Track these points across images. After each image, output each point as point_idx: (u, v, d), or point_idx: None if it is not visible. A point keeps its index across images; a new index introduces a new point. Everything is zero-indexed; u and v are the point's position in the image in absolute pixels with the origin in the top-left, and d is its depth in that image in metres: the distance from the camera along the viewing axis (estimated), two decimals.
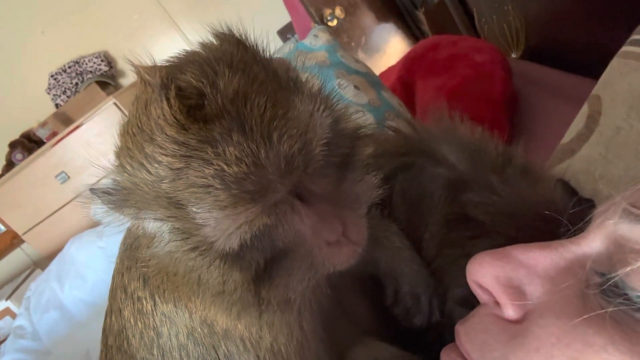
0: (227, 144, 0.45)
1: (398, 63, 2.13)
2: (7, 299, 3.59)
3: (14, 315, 3.38)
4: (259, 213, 0.48)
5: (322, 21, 2.75)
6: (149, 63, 0.53)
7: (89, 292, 2.38)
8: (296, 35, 3.39)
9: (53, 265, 2.76)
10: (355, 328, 0.74)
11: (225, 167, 0.45)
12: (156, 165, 0.47)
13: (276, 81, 0.51)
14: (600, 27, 1.47)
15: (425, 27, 2.62)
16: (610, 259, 0.42)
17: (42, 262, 3.97)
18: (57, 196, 3.69)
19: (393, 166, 0.79)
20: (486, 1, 2.03)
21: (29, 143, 3.99)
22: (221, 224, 0.47)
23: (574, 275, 0.44)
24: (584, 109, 1.03)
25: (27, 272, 4.05)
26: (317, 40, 1.75)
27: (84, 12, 4.06)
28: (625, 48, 1.02)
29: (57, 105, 4.19)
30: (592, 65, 1.34)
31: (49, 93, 4.19)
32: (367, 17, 2.88)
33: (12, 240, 4.12)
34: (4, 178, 3.72)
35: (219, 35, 0.56)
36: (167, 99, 0.46)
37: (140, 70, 0.50)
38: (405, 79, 1.94)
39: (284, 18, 3.58)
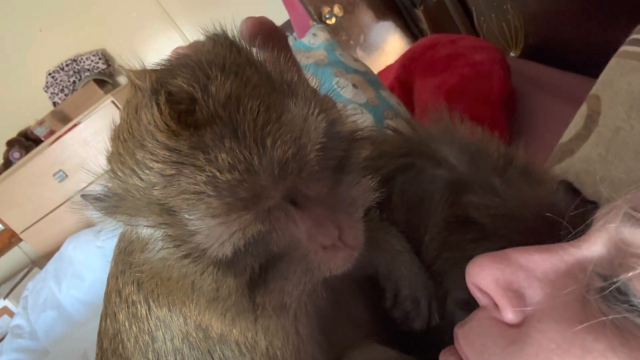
0: (219, 150, 0.44)
1: (396, 62, 2.13)
2: (4, 298, 3.59)
3: (11, 314, 3.38)
4: (253, 220, 0.47)
5: (320, 19, 2.75)
6: (141, 66, 0.52)
7: (86, 291, 2.38)
8: (294, 34, 3.39)
9: (50, 265, 2.76)
10: (354, 331, 0.74)
11: (217, 173, 0.44)
12: (147, 171, 0.46)
13: (270, 84, 0.50)
14: (599, 26, 1.46)
15: (424, 25, 2.61)
16: (612, 263, 0.41)
17: (40, 261, 3.97)
18: (55, 195, 3.68)
19: (392, 167, 0.78)
20: (485, 0, 2.03)
21: (26, 141, 3.99)
22: (214, 231, 0.46)
23: (574, 279, 0.43)
24: (583, 109, 1.03)
25: (25, 270, 4.05)
26: (315, 39, 1.75)
27: (82, 11, 4.05)
28: (624, 47, 1.01)
29: (54, 104, 4.18)
30: (591, 64, 1.33)
31: (46, 91, 4.19)
32: (365, 15, 2.87)
33: (10, 239, 4.12)
34: (1, 177, 3.72)
35: (212, 38, 0.55)
36: (158, 105, 0.45)
37: (130, 74, 0.49)
38: (404, 78, 1.94)
39: (282, 16, 3.57)
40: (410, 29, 2.89)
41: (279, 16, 3.75)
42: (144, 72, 0.49)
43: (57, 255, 2.76)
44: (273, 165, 0.45)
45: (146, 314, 0.63)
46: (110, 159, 0.51)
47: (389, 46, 2.88)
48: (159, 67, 0.52)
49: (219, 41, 0.54)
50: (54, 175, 3.67)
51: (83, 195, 0.51)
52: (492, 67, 1.63)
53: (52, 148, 3.65)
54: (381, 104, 1.55)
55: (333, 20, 2.78)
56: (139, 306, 0.63)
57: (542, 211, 0.61)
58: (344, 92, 1.51)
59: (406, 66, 1.93)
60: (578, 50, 1.62)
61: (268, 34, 0.60)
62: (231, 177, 0.44)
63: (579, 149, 0.98)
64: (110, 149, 0.51)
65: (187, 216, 0.46)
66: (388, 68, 2.28)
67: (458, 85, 1.63)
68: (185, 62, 0.51)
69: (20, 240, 4.01)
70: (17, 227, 3.84)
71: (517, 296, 0.46)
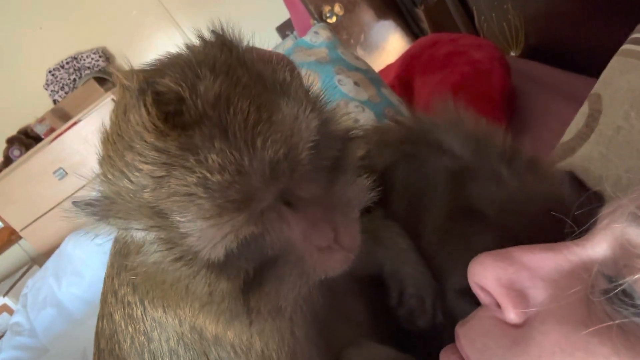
0: (209, 151, 0.43)
1: (397, 61, 2.13)
2: (4, 295, 3.58)
3: (11, 312, 3.37)
4: (245, 222, 0.46)
5: (321, 18, 2.75)
6: (140, 64, 0.52)
7: (86, 289, 2.38)
8: (295, 32, 3.39)
9: (50, 262, 2.75)
10: (352, 330, 0.73)
11: (208, 175, 0.43)
12: (137, 173, 0.45)
13: (261, 84, 0.50)
14: (600, 25, 1.47)
15: (425, 24, 2.61)
16: (617, 264, 0.41)
17: (39, 259, 3.96)
18: (55, 192, 3.68)
19: (395, 157, 0.77)
20: None
21: (26, 139, 3.98)
22: (206, 233, 0.46)
23: (578, 280, 0.43)
24: (584, 108, 1.03)
25: (25, 268, 4.05)
26: (317, 37, 1.75)
27: (82, 8, 4.04)
28: (625, 46, 1.02)
29: (54, 101, 4.17)
30: (591, 63, 1.33)
31: (46, 89, 4.18)
32: (366, 14, 2.87)
33: (10, 237, 4.12)
34: (1, 174, 3.71)
35: (203, 38, 0.54)
36: (145, 105, 0.44)
37: (118, 74, 0.49)
38: (404, 77, 1.94)
39: (283, 14, 3.57)
40: (410, 28, 2.89)
41: (279, 14, 3.75)
42: (132, 72, 0.48)
43: (56, 252, 2.76)
44: (264, 166, 0.45)
45: (142, 315, 0.63)
46: (101, 162, 0.51)
47: (389, 45, 2.88)
48: (148, 67, 0.52)
49: (211, 41, 0.54)
50: (54, 173, 3.67)
51: (74, 203, 0.51)
52: (492, 65, 1.63)
53: (52, 146, 3.65)
54: (382, 101, 1.55)
55: (334, 19, 2.78)
56: (134, 307, 0.63)
57: (548, 205, 0.60)
58: (345, 89, 1.51)
59: (406, 65, 1.94)
60: (578, 50, 1.62)
61: None
62: (222, 179, 0.43)
63: (580, 148, 0.98)
64: (101, 152, 0.51)
65: (178, 218, 0.45)
66: (389, 67, 2.28)
67: (458, 83, 1.63)
68: (175, 62, 0.50)
69: (20, 237, 4.01)
70: (16, 225, 3.84)
71: (520, 296, 0.45)
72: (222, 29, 0.55)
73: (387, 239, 0.74)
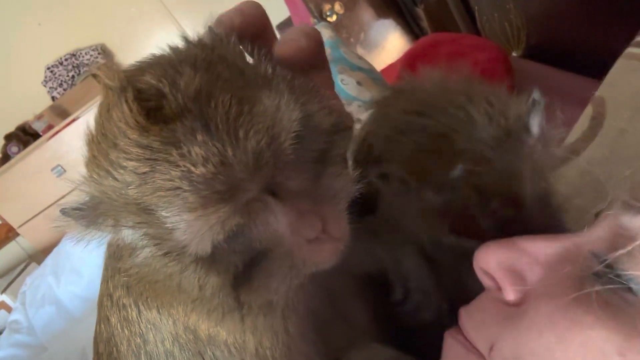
0: (192, 144, 0.44)
1: (398, 61, 2.13)
2: (2, 293, 3.58)
3: (9, 309, 3.37)
4: (231, 213, 0.46)
5: (321, 17, 2.75)
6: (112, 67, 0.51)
7: (85, 287, 2.37)
8: None
9: (49, 260, 2.75)
10: (352, 330, 0.74)
11: (191, 167, 0.43)
12: (121, 171, 0.45)
13: (242, 78, 0.50)
14: (602, 26, 1.47)
15: (425, 23, 2.61)
16: (608, 246, 0.44)
17: (37, 256, 3.96)
18: (53, 189, 3.67)
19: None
20: None
21: (24, 136, 3.98)
22: (192, 226, 0.46)
23: (572, 262, 0.46)
24: (588, 110, 1.03)
25: (23, 265, 4.04)
26: None
27: (81, 4, 4.04)
28: (630, 49, 1.02)
29: (53, 98, 4.17)
30: (593, 65, 1.33)
31: (45, 86, 4.17)
32: (366, 13, 2.87)
33: (8, 234, 4.11)
34: None
35: (186, 38, 0.54)
36: (126, 102, 0.45)
37: (99, 74, 0.49)
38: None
39: (283, 13, 3.56)
40: (410, 27, 2.89)
41: (279, 13, 3.75)
42: (114, 72, 0.48)
43: (55, 250, 2.76)
44: (247, 156, 0.45)
45: (137, 316, 0.63)
46: (87, 163, 0.51)
47: (389, 44, 2.88)
48: (130, 67, 0.52)
49: (193, 41, 0.54)
50: (52, 170, 3.67)
51: (62, 210, 0.50)
52: (494, 67, 1.63)
53: (50, 143, 3.65)
54: None
55: (334, 17, 2.78)
56: (129, 309, 0.63)
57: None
58: (348, 89, 1.51)
59: (408, 65, 1.93)
60: (580, 51, 1.62)
61: (250, 26, 0.59)
62: (206, 171, 0.43)
63: (583, 150, 0.98)
64: (86, 153, 0.51)
65: (164, 213, 0.45)
66: (390, 67, 2.28)
67: None
68: (156, 61, 0.51)
69: (18, 234, 4.01)
70: (14, 222, 3.84)
71: (519, 277, 0.49)
72: (209, 27, 0.55)
73: (384, 233, 0.75)
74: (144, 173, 0.44)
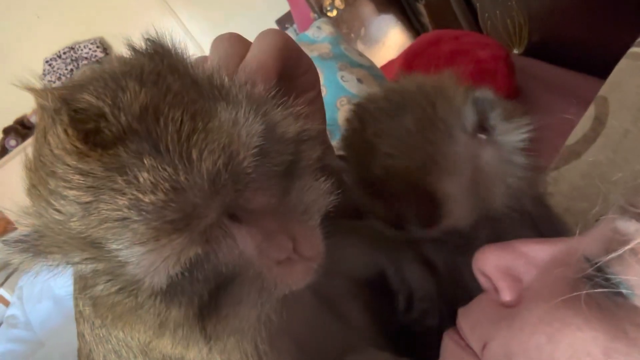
0: (139, 169, 0.39)
1: (399, 57, 2.12)
2: (0, 287, 3.58)
3: (7, 303, 3.36)
4: (187, 244, 0.42)
5: (321, 11, 2.73)
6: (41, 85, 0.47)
7: None
8: (295, 25, 3.37)
9: None
10: (350, 336, 0.72)
11: (139, 195, 0.39)
12: (62, 201, 0.41)
13: (195, 90, 0.45)
14: (605, 24, 1.45)
15: (426, 19, 2.60)
16: (601, 249, 0.44)
17: None
18: None
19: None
20: None
21: (22, 129, 3.97)
22: (144, 260, 0.41)
23: (566, 264, 0.46)
24: (591, 111, 1.02)
25: None
26: (319, 32, 1.74)
27: None
28: (633, 49, 1.01)
29: None
30: (595, 63, 1.32)
31: (43, 79, 4.15)
32: (366, 8, 2.86)
33: (6, 227, 4.10)
34: None
35: (133, 47, 0.50)
36: (62, 125, 0.41)
37: (32, 93, 0.45)
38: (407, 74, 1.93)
39: (283, 7, 3.55)
40: (411, 22, 2.88)
41: (279, 7, 3.73)
42: (47, 91, 0.44)
43: None
44: (202, 180, 0.41)
45: (107, 334, 0.60)
46: (28, 192, 0.47)
47: (389, 40, 2.86)
48: (68, 84, 0.47)
49: (141, 50, 0.49)
50: None
51: (4, 241, 0.47)
52: (496, 65, 1.62)
53: None
54: None
55: (334, 12, 2.77)
56: (99, 327, 0.61)
57: None
58: (348, 86, 1.50)
59: (409, 62, 1.92)
60: (582, 49, 1.61)
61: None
62: (155, 198, 0.39)
63: (585, 152, 0.97)
64: (26, 181, 0.47)
65: (113, 246, 0.41)
66: (390, 63, 2.27)
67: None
68: (98, 75, 0.45)
69: (16, 228, 3.99)
70: (12, 216, 3.82)
71: (515, 280, 0.50)
72: (155, 36, 0.50)
73: (386, 242, 0.73)
74: (87, 203, 0.40)
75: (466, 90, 0.69)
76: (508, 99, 1.59)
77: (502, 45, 1.76)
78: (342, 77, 1.51)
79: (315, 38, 1.72)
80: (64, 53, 4.12)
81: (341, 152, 0.75)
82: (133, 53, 0.49)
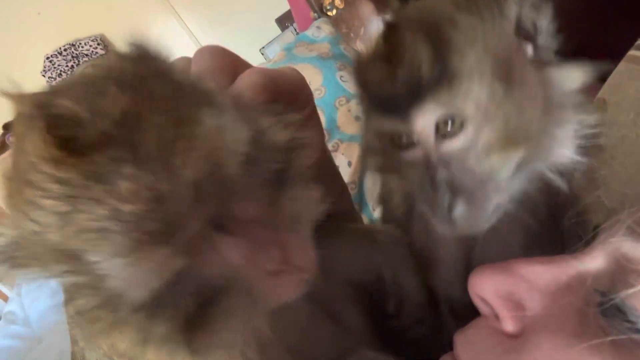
0: (118, 177, 0.38)
1: None
2: None
3: (5, 298, 3.36)
4: (170, 256, 0.40)
5: (321, 11, 2.73)
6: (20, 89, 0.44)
7: None
8: (295, 24, 3.36)
9: None
10: (346, 339, 0.71)
11: (119, 205, 0.38)
12: (39, 211, 0.39)
13: (179, 95, 0.44)
14: (605, 28, 1.45)
15: None
16: (612, 279, 0.42)
17: None
18: None
19: None
20: None
21: None
22: (125, 273, 0.40)
23: (574, 292, 0.44)
24: None
25: None
26: (319, 32, 1.74)
27: None
28: (632, 52, 1.01)
29: None
30: (595, 67, 1.32)
31: (44, 75, 4.15)
32: (366, 8, 2.85)
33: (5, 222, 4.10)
34: None
35: (115, 51, 0.48)
36: (37, 130, 0.39)
37: (9, 99, 0.43)
38: None
39: (283, 6, 3.54)
40: None
41: (279, 6, 3.73)
42: (23, 95, 0.43)
43: None
44: (186, 188, 0.39)
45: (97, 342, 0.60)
46: (5, 202, 0.45)
47: None
48: (47, 89, 0.45)
49: (123, 55, 0.47)
50: None
51: None
52: None
53: None
54: None
55: (334, 12, 2.76)
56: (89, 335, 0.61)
57: None
58: (347, 86, 1.50)
59: None
60: (581, 53, 1.61)
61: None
62: (136, 208, 0.38)
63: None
64: (4, 190, 0.45)
65: (92, 259, 0.40)
66: None
67: None
68: (78, 80, 0.44)
69: None
70: None
71: (517, 307, 0.47)
72: (139, 40, 0.48)
73: (385, 245, 0.72)
74: (65, 213, 0.38)
75: None
76: None
77: None
78: (341, 77, 1.51)
79: (315, 38, 1.72)
80: (65, 50, 4.12)
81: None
82: (116, 57, 0.47)
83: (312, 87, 1.62)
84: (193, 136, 0.40)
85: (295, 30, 3.26)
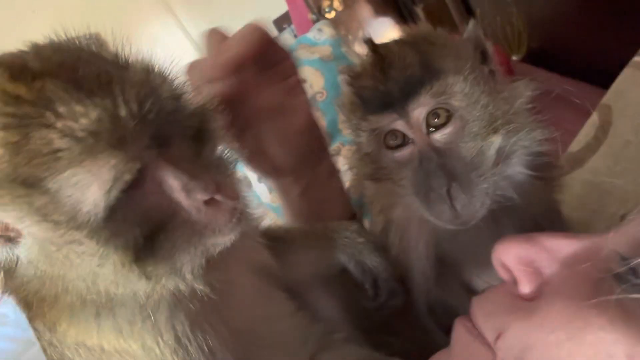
0: (68, 103, 0.43)
1: None
2: None
3: None
4: (122, 163, 0.45)
5: (319, 12, 2.73)
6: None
7: None
8: (292, 26, 3.36)
9: None
10: (326, 332, 0.75)
11: (72, 123, 0.42)
12: None
13: (104, 61, 0.52)
14: (606, 32, 1.46)
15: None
16: (633, 248, 0.43)
17: None
18: None
19: None
20: (490, 1, 2.02)
21: None
22: (82, 181, 0.44)
23: (592, 264, 0.45)
24: (594, 119, 1.02)
25: None
26: (321, 34, 1.73)
27: None
28: (637, 58, 1.01)
29: None
30: (595, 72, 1.32)
31: None
32: (364, 10, 2.86)
33: None
34: None
35: (52, 39, 0.56)
36: None
37: None
38: None
39: (280, 7, 3.54)
40: (409, 26, 2.87)
41: (277, 7, 3.72)
42: None
43: None
44: (130, 104, 0.45)
45: (55, 341, 0.63)
46: None
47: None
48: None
49: (54, 43, 0.56)
50: None
51: None
52: None
53: None
54: None
55: (332, 14, 2.77)
56: (45, 334, 0.65)
57: None
58: None
59: None
60: (582, 57, 1.62)
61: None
62: (89, 122, 0.43)
63: (589, 160, 0.97)
64: None
65: (49, 181, 0.43)
66: None
67: None
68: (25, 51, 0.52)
69: None
70: None
71: (536, 273, 0.49)
72: (69, 34, 0.58)
73: (344, 239, 0.78)
74: (16, 142, 0.42)
75: None
76: None
77: (502, 51, 1.76)
78: (343, 79, 1.50)
79: (317, 40, 1.72)
80: None
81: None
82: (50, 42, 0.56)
83: (314, 90, 1.61)
84: (125, 78, 0.47)
85: (293, 31, 3.25)
